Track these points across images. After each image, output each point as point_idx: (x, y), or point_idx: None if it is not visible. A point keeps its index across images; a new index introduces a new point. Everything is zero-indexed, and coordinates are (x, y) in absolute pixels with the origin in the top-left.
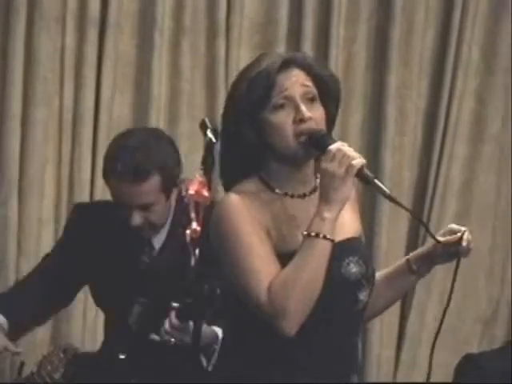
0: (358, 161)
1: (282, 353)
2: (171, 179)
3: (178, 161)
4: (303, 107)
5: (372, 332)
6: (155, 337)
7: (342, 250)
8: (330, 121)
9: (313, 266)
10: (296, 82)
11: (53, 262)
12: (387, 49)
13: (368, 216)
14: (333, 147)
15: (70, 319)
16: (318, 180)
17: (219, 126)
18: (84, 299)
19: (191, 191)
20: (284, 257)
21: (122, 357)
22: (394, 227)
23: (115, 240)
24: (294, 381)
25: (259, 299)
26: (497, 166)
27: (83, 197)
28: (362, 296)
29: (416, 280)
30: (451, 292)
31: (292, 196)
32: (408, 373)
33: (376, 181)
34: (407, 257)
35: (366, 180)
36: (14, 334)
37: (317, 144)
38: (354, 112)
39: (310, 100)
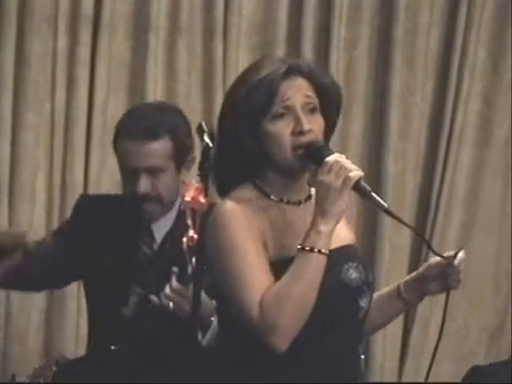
0: (356, 173)
1: (280, 363)
2: (182, 148)
3: (189, 131)
4: (304, 119)
5: (375, 343)
6: (154, 298)
7: (340, 256)
8: (329, 130)
9: (306, 280)
10: (298, 92)
11: (50, 245)
12: (390, 50)
13: (370, 224)
14: (330, 159)
15: (62, 329)
16: (312, 188)
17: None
18: (77, 309)
19: (187, 198)
20: (281, 264)
21: (113, 348)
22: (396, 235)
23: (116, 231)
24: None
25: (250, 313)
26: (504, 173)
27: None
28: (363, 303)
29: (404, 308)
30: (443, 324)
31: (288, 202)
32: None
33: (373, 194)
34: (399, 282)
35: (362, 193)
36: None
37: (313, 156)
38: (355, 116)
39: (311, 111)
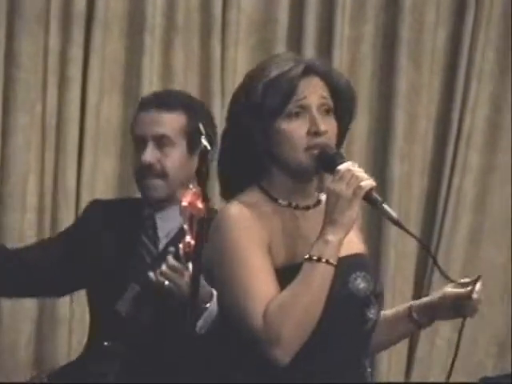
0: (367, 182)
1: (283, 374)
2: (198, 133)
3: (212, 121)
4: (319, 120)
5: (380, 356)
6: (151, 274)
7: (348, 264)
8: (342, 134)
9: (312, 291)
10: (315, 92)
11: (54, 246)
12: (395, 50)
13: (375, 231)
14: (342, 167)
15: (54, 340)
16: (322, 194)
17: (215, 131)
18: (69, 319)
19: (184, 203)
20: (287, 270)
21: (106, 344)
22: (402, 243)
23: (121, 235)
24: None
25: (253, 323)
26: None
27: (68, 208)
28: (371, 314)
29: (414, 330)
30: (457, 349)
31: (296, 207)
32: None
33: (384, 205)
34: (411, 303)
35: (373, 203)
36: None
37: (326, 163)
38: (359, 118)
39: (326, 112)
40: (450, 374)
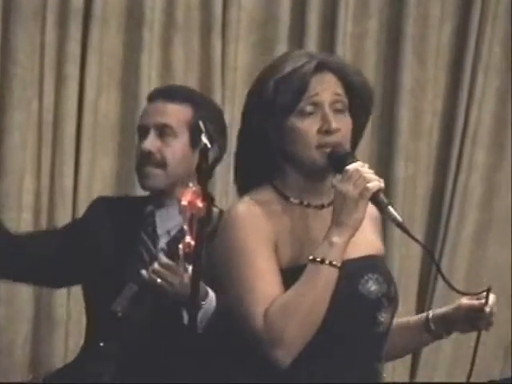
0: (375, 184)
1: (286, 376)
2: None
3: (219, 119)
4: (331, 117)
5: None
6: (143, 272)
7: (360, 266)
8: (357, 133)
9: (315, 294)
10: (328, 89)
11: (56, 236)
12: (400, 46)
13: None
14: (351, 167)
15: (51, 342)
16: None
17: (222, 129)
18: (66, 321)
19: (184, 202)
20: (296, 271)
21: (102, 344)
22: (406, 246)
23: (123, 233)
24: None
25: (255, 323)
26: None
27: (65, 208)
28: (382, 317)
29: (430, 341)
30: (473, 364)
31: (308, 206)
32: None
33: (390, 208)
34: (429, 312)
35: (379, 206)
36: None
37: (336, 163)
38: None
39: (339, 110)
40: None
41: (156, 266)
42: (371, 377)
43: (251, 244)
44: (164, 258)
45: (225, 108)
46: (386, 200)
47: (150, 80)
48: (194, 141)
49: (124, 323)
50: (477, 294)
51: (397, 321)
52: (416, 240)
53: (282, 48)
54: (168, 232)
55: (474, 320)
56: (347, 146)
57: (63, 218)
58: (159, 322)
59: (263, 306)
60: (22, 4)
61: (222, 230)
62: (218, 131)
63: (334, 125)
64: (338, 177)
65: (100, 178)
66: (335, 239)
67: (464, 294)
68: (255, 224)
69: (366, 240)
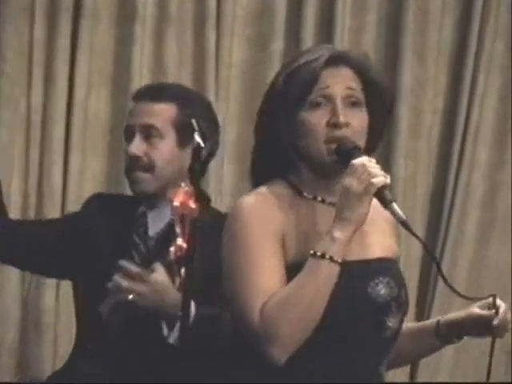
0: (380, 179)
1: (284, 374)
2: (190, 127)
3: (210, 115)
4: (340, 110)
5: None
6: (109, 284)
7: (371, 268)
8: (376, 132)
9: (314, 289)
10: (340, 82)
11: (51, 227)
12: (399, 41)
13: None
14: (356, 161)
15: (39, 346)
16: None
17: (215, 126)
18: (55, 324)
19: (176, 203)
20: (298, 267)
21: (90, 347)
22: (407, 246)
23: (116, 232)
24: None
25: (250, 317)
26: None
27: (54, 209)
28: (391, 322)
29: (439, 346)
30: (489, 369)
31: (322, 201)
32: None
33: (394, 205)
34: (439, 318)
35: (383, 202)
36: None
37: (342, 157)
38: None
39: (353, 104)
40: None
41: (118, 277)
42: (373, 379)
43: (254, 237)
44: (131, 267)
45: (219, 105)
46: (390, 197)
47: (141, 76)
48: (182, 140)
49: (107, 327)
50: (480, 298)
51: (406, 326)
52: (418, 238)
53: (278, 42)
54: (160, 233)
55: (484, 328)
56: (358, 142)
57: (52, 216)
58: (136, 334)
59: (261, 300)
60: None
61: (228, 222)
62: (211, 127)
63: (342, 118)
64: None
65: (90, 177)
66: (337, 234)
67: (467, 298)
68: (261, 216)
69: (382, 242)
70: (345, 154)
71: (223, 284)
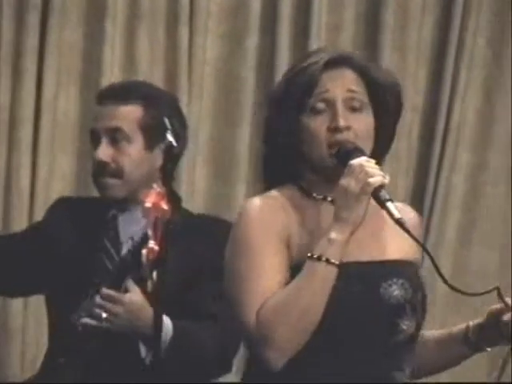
0: (377, 179)
1: (291, 374)
2: (156, 122)
3: (179, 113)
4: (340, 114)
5: None
6: (87, 320)
7: (384, 270)
8: (384, 136)
9: (311, 292)
10: (341, 85)
11: (15, 242)
12: (378, 38)
13: None
14: (354, 162)
15: (8, 353)
16: None
17: (184, 124)
18: (23, 328)
19: (148, 204)
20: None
21: (62, 360)
22: None
23: (84, 237)
24: None
25: (246, 320)
26: (506, 175)
27: (21, 209)
28: (405, 325)
29: (469, 354)
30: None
31: (332, 202)
32: None
33: (389, 204)
34: (467, 323)
35: (380, 202)
36: None
37: (342, 158)
38: None
39: (355, 107)
40: None
41: (97, 299)
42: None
43: (256, 239)
44: (105, 290)
45: (192, 103)
46: (385, 196)
47: (112, 75)
48: (149, 142)
49: (83, 338)
50: (482, 293)
51: (432, 333)
52: (414, 238)
53: (252, 39)
54: (131, 238)
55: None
56: (362, 145)
57: (19, 219)
58: (113, 355)
59: (258, 302)
60: None
61: (233, 224)
62: (181, 125)
63: (342, 122)
64: None
65: (59, 178)
66: (334, 236)
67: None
68: (263, 218)
69: (399, 244)
70: (344, 155)
71: (224, 286)
